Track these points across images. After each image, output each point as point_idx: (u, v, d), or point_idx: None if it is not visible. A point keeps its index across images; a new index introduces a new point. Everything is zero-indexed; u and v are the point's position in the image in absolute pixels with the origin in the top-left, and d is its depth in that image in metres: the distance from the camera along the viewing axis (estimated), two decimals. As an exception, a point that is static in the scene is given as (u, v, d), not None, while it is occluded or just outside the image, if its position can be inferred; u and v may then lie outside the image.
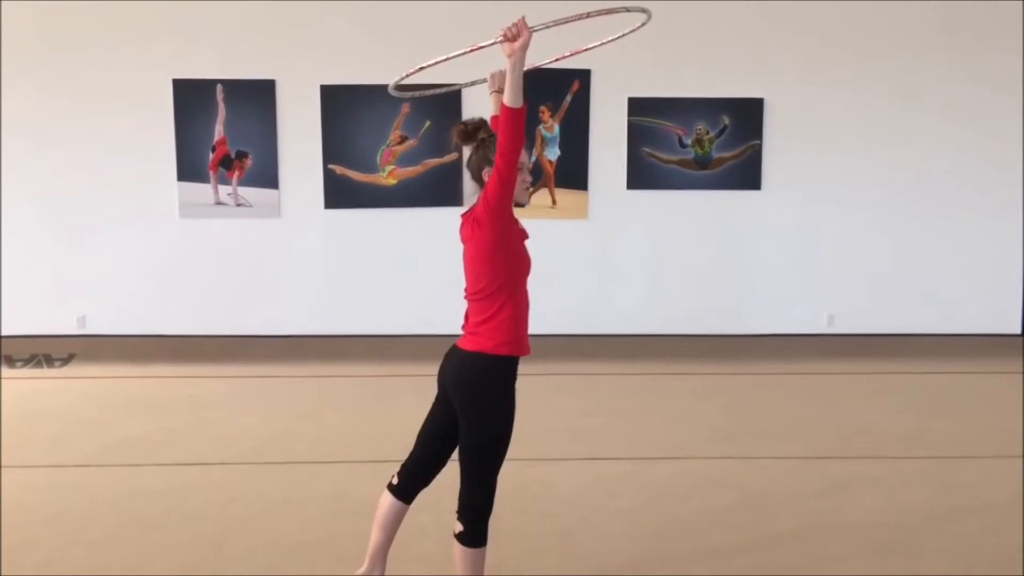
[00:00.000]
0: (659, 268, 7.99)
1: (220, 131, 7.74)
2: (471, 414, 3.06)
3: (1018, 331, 8.06)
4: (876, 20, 7.73)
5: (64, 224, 7.76)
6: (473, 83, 3.70)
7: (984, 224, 7.98)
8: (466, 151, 3.25)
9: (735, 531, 4.16)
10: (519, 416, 3.11)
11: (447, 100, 7.65)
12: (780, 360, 7.52)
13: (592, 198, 7.84)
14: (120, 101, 7.63)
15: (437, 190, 7.81)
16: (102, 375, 7.01)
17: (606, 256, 7.95)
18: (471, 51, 2.99)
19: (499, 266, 3.05)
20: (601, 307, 8.03)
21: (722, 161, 7.86)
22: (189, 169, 7.75)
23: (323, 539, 4.04)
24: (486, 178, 3.08)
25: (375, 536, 3.36)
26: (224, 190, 7.79)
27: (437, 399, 3.26)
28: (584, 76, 7.70)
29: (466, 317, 3.17)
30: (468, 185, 3.21)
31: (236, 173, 7.79)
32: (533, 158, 7.71)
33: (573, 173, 7.85)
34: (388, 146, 7.77)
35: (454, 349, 3.16)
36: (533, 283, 3.19)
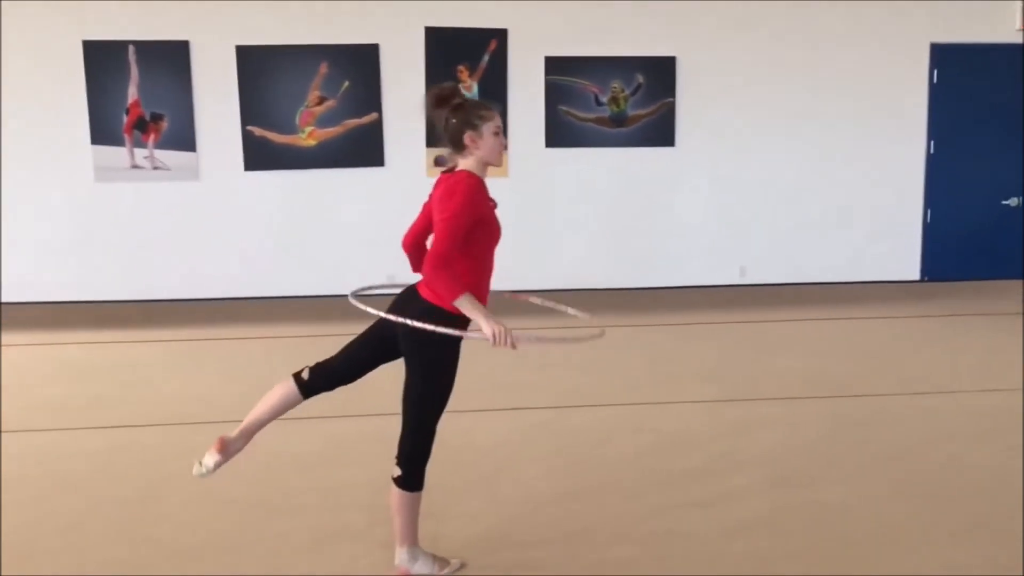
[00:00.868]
0: (578, 224, 8.18)
1: (134, 93, 7.63)
2: (418, 362, 3.17)
3: (917, 277, 8.49)
4: (782, -21, 7.98)
5: (-26, 190, 7.61)
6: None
7: (887, 178, 8.36)
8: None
9: (648, 469, 4.39)
10: None
11: (366, 58, 7.70)
12: (695, 311, 7.82)
13: (512, 156, 7.97)
14: (29, 63, 7.47)
15: (358, 151, 7.85)
16: (20, 342, 6.94)
17: (527, 213, 8.11)
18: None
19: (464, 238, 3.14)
20: (522, 263, 8.19)
21: (637, 119, 8.05)
22: (103, 132, 7.64)
23: (254, 493, 4.14)
24: (467, 142, 3.20)
25: (257, 413, 3.40)
26: (140, 153, 7.71)
27: (380, 327, 3.33)
28: (501, 35, 7.79)
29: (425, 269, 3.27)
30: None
31: (152, 136, 7.71)
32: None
33: (492, 132, 7.93)
34: (307, 107, 7.76)
35: (414, 295, 3.25)
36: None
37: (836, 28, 8.07)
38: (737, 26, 8.01)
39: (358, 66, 7.73)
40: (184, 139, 7.73)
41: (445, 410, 3.27)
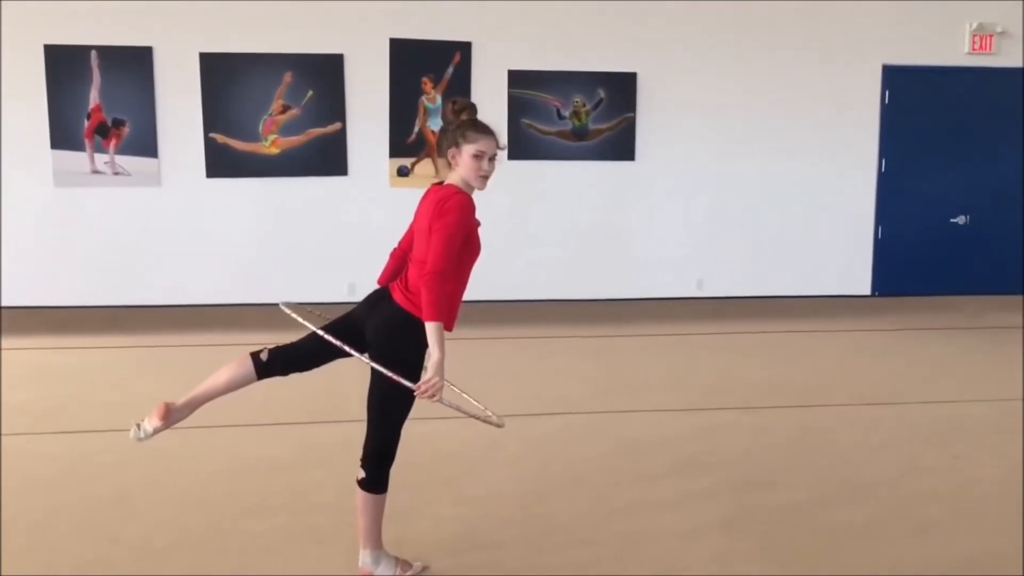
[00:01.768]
0: (539, 236, 8.26)
1: (95, 98, 7.59)
2: (383, 365, 3.19)
3: (868, 292, 8.70)
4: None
5: (-70, 193, 7.50)
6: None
7: (840, 195, 8.55)
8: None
9: (611, 473, 4.48)
10: None
11: (330, 68, 7.74)
12: (654, 322, 7.95)
13: (474, 168, 8.01)
14: (-12, 66, 7.41)
15: (321, 160, 7.87)
16: (-23, 348, 6.86)
17: (488, 225, 8.14)
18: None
19: None
20: (485, 274, 8.23)
21: (598, 133, 8.18)
22: (63, 137, 7.58)
23: (224, 494, 4.16)
24: (450, 159, 3.29)
25: (208, 386, 3.39)
26: (101, 158, 7.65)
27: (347, 323, 3.36)
28: (465, 48, 7.88)
29: (405, 275, 3.31)
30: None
31: (113, 141, 7.66)
32: (416, 128, 7.86)
33: (456, 143, 8.00)
34: (270, 115, 7.77)
35: (388, 299, 3.29)
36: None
37: (792, 49, 8.27)
38: (697, 45, 8.17)
39: (322, 76, 7.76)
40: (146, 145, 7.70)
41: (411, 416, 3.30)
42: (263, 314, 7.73)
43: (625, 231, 8.38)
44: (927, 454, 4.80)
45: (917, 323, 8.07)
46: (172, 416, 3.34)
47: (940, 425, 5.27)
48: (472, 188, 3.32)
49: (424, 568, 3.50)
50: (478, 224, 3.33)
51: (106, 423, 5.14)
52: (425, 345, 3.18)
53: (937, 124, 8.55)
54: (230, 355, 6.68)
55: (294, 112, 7.80)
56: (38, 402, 5.54)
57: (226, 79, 7.68)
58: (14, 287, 7.65)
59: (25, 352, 6.77)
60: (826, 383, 6.19)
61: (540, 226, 8.26)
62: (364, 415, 3.29)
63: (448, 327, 3.17)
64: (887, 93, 8.44)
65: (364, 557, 3.40)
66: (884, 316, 8.32)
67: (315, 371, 3.46)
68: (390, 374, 3.07)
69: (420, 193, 3.45)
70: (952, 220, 8.68)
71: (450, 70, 7.90)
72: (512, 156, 8.07)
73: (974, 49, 8.39)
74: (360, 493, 3.31)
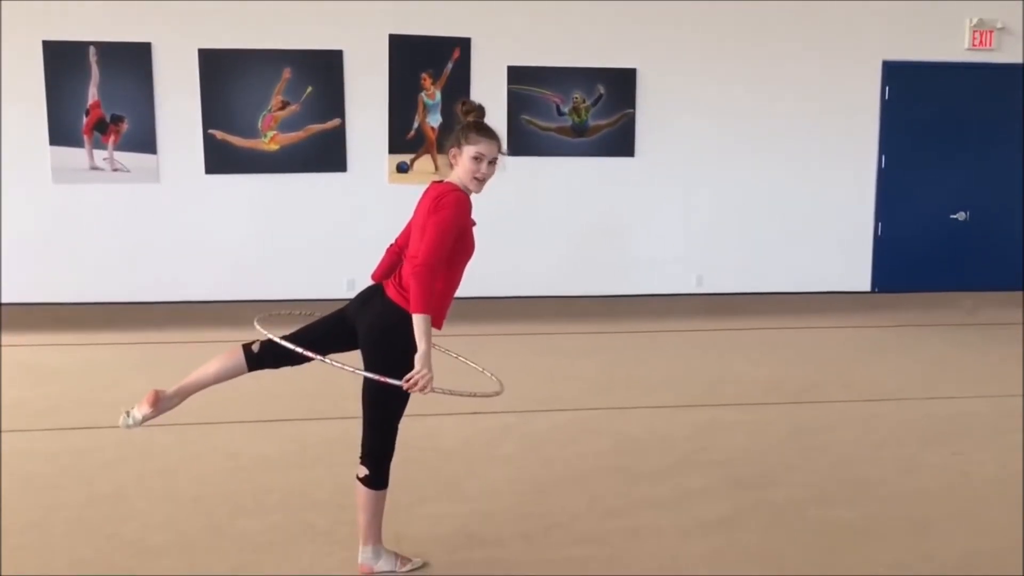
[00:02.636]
0: (538, 232, 8.25)
1: (94, 94, 7.58)
2: (376, 360, 3.20)
3: (868, 288, 8.69)
4: (741, -5, 8.17)
5: (-72, 190, 7.49)
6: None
7: (840, 191, 8.55)
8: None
9: (609, 471, 4.47)
10: None
11: (330, 64, 7.73)
12: (653, 319, 7.94)
13: (473, 164, 8.00)
14: (-14, 62, 7.40)
15: (320, 156, 7.86)
16: (-25, 344, 6.86)
17: (487, 220, 8.14)
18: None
19: None
20: (483, 270, 8.23)
21: (598, 129, 8.17)
22: (62, 133, 7.57)
23: (220, 492, 4.15)
24: (450, 157, 3.30)
25: (198, 375, 3.39)
26: (99, 155, 7.64)
27: (339, 319, 3.37)
28: (465, 44, 7.86)
29: (399, 272, 3.30)
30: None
31: (112, 138, 7.65)
32: (415, 124, 7.84)
33: (455, 140, 8.00)
34: (270, 111, 7.76)
35: (381, 295, 3.29)
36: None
37: (792, 45, 8.26)
38: (696, 40, 8.16)
39: (322, 72, 7.75)
40: (144, 141, 7.69)
41: (409, 413, 3.29)
42: (262, 311, 7.71)
43: (624, 227, 8.37)
44: (926, 451, 4.80)
45: (917, 320, 8.07)
46: (161, 404, 3.35)
47: (939, 422, 5.27)
48: (469, 189, 3.32)
49: (423, 564, 3.50)
50: (473, 224, 3.32)
51: (103, 420, 5.11)
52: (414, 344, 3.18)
53: (937, 120, 8.53)
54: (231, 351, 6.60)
55: (293, 108, 7.79)
56: (36, 399, 5.54)
57: (225, 75, 7.67)
58: (12, 284, 7.64)
59: (23, 349, 6.77)
60: (825, 380, 6.18)
61: (539, 222, 8.25)
62: (360, 412, 3.29)
63: (436, 325, 3.17)
64: (887, 89, 8.43)
65: (364, 553, 3.40)
66: (884, 312, 8.31)
67: (311, 366, 3.45)
68: (376, 376, 3.06)
69: (419, 190, 3.46)
70: (952, 216, 8.67)
71: (449, 66, 7.88)
72: (512, 152, 8.06)
73: (974, 45, 8.37)
74: (361, 489, 3.31)
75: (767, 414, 5.41)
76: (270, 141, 7.81)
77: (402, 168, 7.92)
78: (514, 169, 8.10)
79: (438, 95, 7.89)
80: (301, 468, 4.48)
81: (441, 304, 3.23)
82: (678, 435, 5.01)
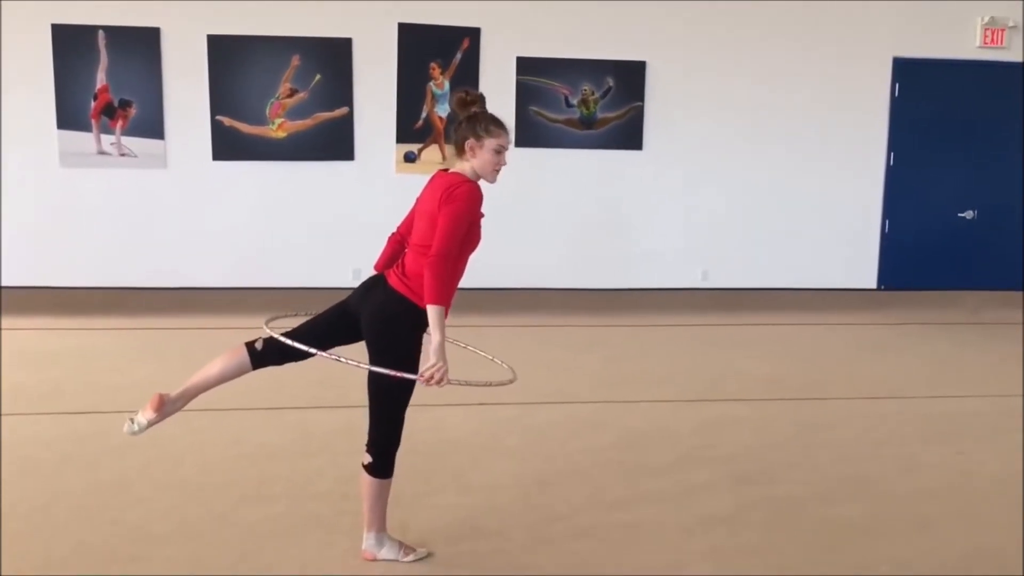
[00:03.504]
0: (544, 224, 8.25)
1: (102, 79, 7.57)
2: (380, 350, 3.21)
3: (874, 285, 8.68)
4: (752, -10, 8.13)
5: (-64, 172, 7.50)
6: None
7: (848, 188, 8.53)
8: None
9: (612, 464, 4.48)
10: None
11: (338, 52, 7.71)
12: (658, 313, 7.94)
13: (481, 155, 8.00)
14: (-5, 45, 7.40)
15: (328, 144, 7.85)
16: (-19, 327, 6.87)
17: (493, 211, 8.13)
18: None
19: None
20: (488, 261, 8.22)
21: (606, 121, 8.15)
22: (70, 117, 7.57)
23: (225, 480, 4.16)
24: (467, 149, 3.27)
25: (203, 376, 3.38)
26: (107, 139, 7.65)
27: (342, 311, 3.38)
28: (474, 34, 7.84)
29: (403, 261, 3.31)
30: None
31: (119, 122, 7.65)
32: (424, 114, 7.83)
33: (462, 130, 7.99)
34: (278, 98, 7.75)
35: (383, 284, 3.29)
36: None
37: (802, 41, 8.23)
38: (705, 34, 8.13)
39: (330, 60, 7.74)
40: (152, 127, 7.69)
41: (415, 403, 3.30)
42: (267, 298, 7.74)
43: (631, 220, 8.36)
44: (929, 450, 4.80)
45: (921, 318, 8.06)
46: (166, 408, 3.34)
47: (942, 421, 5.27)
48: (479, 178, 3.32)
49: (427, 554, 3.51)
50: (482, 215, 3.32)
51: (106, 406, 5.15)
52: (420, 328, 3.19)
53: (946, 118, 8.50)
54: (233, 339, 6.69)
55: (301, 96, 7.78)
56: (38, 384, 5.55)
57: (234, 62, 7.66)
58: (17, 267, 7.66)
59: (25, 332, 6.79)
60: (828, 377, 6.18)
61: (546, 214, 8.24)
62: (365, 400, 3.29)
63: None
64: (897, 86, 8.40)
65: (368, 540, 3.42)
66: (888, 310, 8.30)
67: (315, 356, 3.45)
68: (391, 372, 3.07)
69: (427, 180, 3.44)
70: (960, 214, 8.65)
71: (458, 56, 7.87)
72: (519, 144, 8.04)
73: (985, 43, 8.33)
74: (366, 478, 3.32)
75: (770, 410, 5.41)
76: (278, 128, 7.80)
77: (410, 158, 7.91)
78: (522, 160, 8.08)
79: (447, 85, 7.87)
80: (305, 457, 4.49)
81: (449, 288, 3.22)
82: (681, 430, 5.01)
